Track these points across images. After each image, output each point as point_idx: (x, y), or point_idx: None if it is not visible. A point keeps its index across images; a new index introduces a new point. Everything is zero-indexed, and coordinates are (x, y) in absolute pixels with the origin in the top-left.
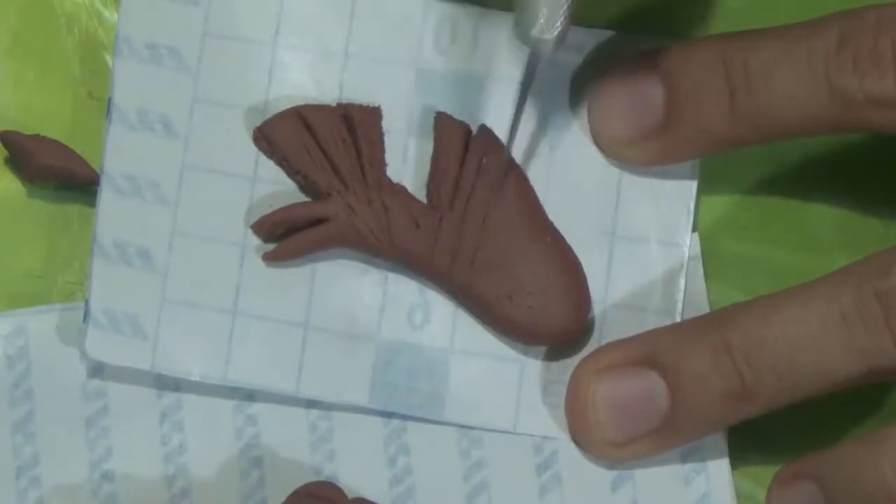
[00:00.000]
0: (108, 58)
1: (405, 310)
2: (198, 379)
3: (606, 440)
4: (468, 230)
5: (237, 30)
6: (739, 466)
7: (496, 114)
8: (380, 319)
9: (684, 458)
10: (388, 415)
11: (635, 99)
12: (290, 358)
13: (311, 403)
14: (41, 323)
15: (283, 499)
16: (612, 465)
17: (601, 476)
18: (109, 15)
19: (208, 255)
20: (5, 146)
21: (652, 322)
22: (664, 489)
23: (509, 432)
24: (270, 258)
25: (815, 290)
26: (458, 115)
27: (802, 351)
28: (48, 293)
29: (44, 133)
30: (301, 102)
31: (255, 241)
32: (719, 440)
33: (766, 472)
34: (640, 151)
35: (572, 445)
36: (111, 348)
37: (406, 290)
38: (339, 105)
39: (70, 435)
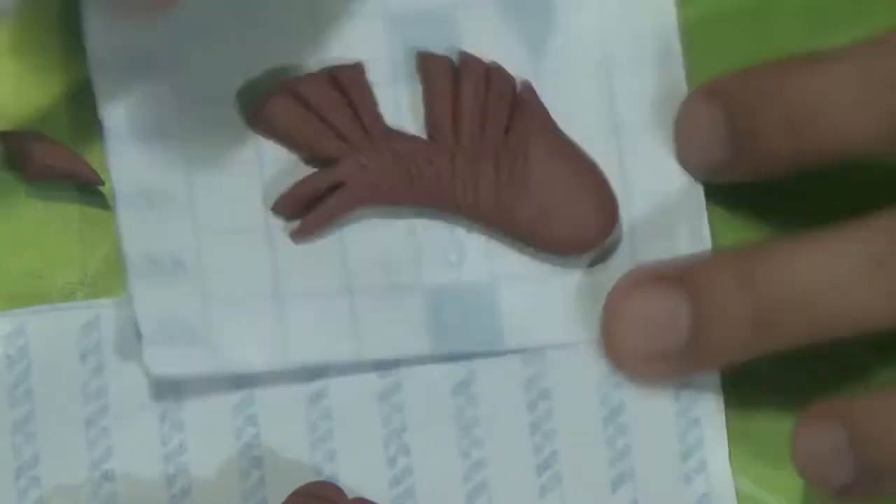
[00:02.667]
0: None
1: (440, 252)
2: (262, 369)
3: (631, 355)
4: (483, 160)
5: (204, 17)
6: (739, 466)
7: (474, 39)
8: (418, 267)
9: (684, 458)
10: (450, 360)
11: (701, 128)
12: (344, 325)
13: (377, 365)
14: (41, 323)
15: (283, 499)
16: (611, 464)
17: (601, 476)
18: None
19: (238, 247)
20: (5, 146)
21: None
22: (664, 489)
23: (572, 344)
24: (299, 235)
25: (849, 231)
26: (437, 51)
27: (830, 290)
28: (48, 293)
29: (44, 133)
30: (283, 73)
31: (278, 222)
32: (720, 440)
33: (767, 472)
34: (716, 177)
35: (572, 444)
36: (172, 361)
37: (436, 233)
38: (323, 70)
39: (70, 435)
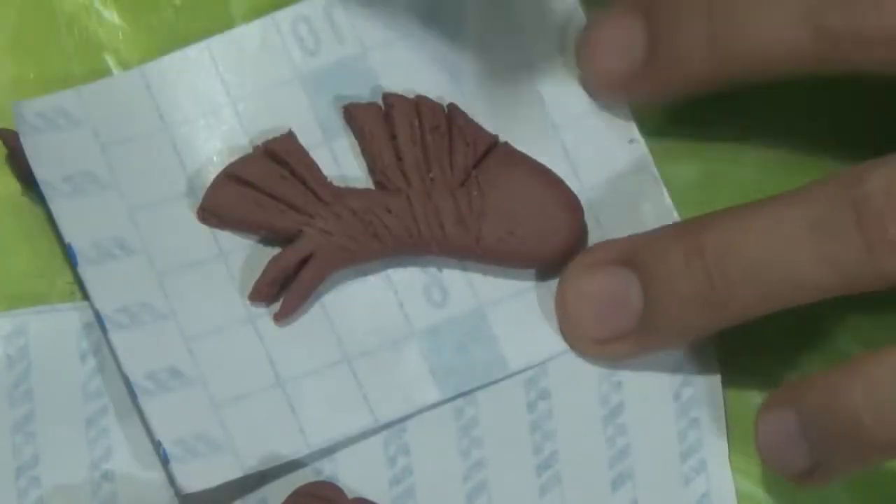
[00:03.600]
0: (108, 58)
1: (422, 295)
2: (287, 460)
3: (588, 336)
4: (439, 194)
5: (126, 132)
6: (739, 466)
7: (392, 77)
8: (406, 316)
9: (684, 458)
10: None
11: (617, 39)
12: (353, 396)
13: (390, 426)
14: (41, 323)
15: (283, 499)
16: (611, 464)
17: (601, 476)
18: (109, 15)
19: (228, 345)
20: (5, 145)
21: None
22: (664, 489)
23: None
24: (282, 317)
25: (791, 198)
26: (362, 98)
27: (774, 258)
28: (48, 293)
29: None
30: (219, 163)
31: (259, 310)
32: (720, 440)
33: (767, 472)
34: (628, 93)
35: (572, 444)
36: (200, 474)
37: (412, 277)
38: (257, 147)
39: (70, 435)
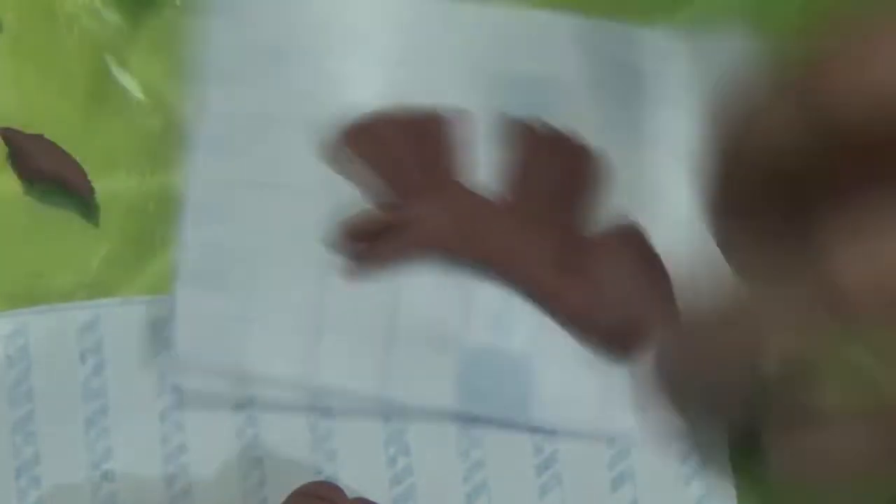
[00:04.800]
0: (108, 58)
1: (490, 316)
2: (288, 381)
3: None
4: (549, 231)
5: (296, 44)
6: (739, 466)
7: (562, 113)
8: (466, 326)
9: (684, 458)
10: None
11: None
12: (376, 360)
13: (390, 422)
14: (41, 323)
15: (283, 499)
16: (611, 464)
17: (601, 476)
18: (109, 15)
19: (289, 279)
20: (6, 143)
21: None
22: (664, 489)
23: (587, 435)
24: (354, 271)
25: None
26: (526, 117)
27: None
28: (48, 293)
29: (45, 134)
30: (366, 108)
31: (333, 259)
32: (719, 440)
33: (766, 472)
34: None
35: (572, 444)
36: (200, 346)
37: (490, 296)
38: (416, 113)
39: (70, 435)
